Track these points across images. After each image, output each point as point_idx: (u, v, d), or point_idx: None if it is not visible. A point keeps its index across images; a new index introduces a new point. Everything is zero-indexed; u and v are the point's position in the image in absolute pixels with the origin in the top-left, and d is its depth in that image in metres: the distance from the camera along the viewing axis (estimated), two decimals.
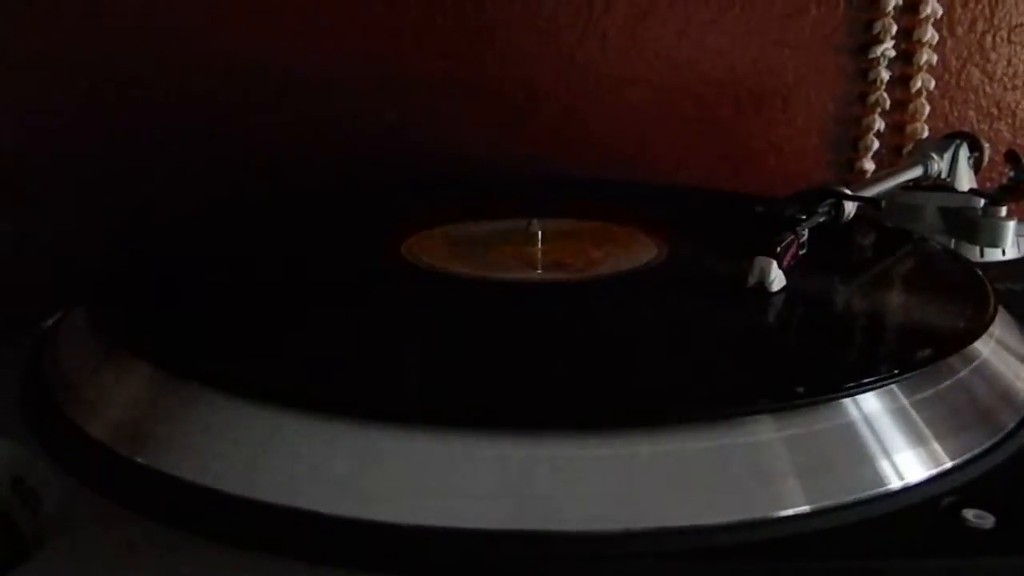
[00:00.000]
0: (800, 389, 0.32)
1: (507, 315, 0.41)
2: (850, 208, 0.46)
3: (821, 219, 0.45)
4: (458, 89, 0.69)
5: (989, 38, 0.71)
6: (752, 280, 0.41)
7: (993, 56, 0.72)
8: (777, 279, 0.41)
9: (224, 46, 0.67)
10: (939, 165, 0.57)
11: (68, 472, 0.33)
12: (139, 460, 0.32)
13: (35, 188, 0.68)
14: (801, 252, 0.43)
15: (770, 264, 0.40)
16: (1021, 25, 0.71)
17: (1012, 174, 0.57)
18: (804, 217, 0.44)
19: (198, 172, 0.68)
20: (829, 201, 0.46)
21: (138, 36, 0.66)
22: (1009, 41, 0.71)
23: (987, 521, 0.29)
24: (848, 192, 0.47)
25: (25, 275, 0.64)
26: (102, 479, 0.32)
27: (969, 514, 0.29)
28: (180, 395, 0.33)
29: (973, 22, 0.71)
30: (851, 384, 0.33)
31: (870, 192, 0.50)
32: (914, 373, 0.34)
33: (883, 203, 0.47)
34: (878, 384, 0.33)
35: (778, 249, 0.41)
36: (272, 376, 0.34)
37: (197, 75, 0.67)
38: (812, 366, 0.36)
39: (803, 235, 0.43)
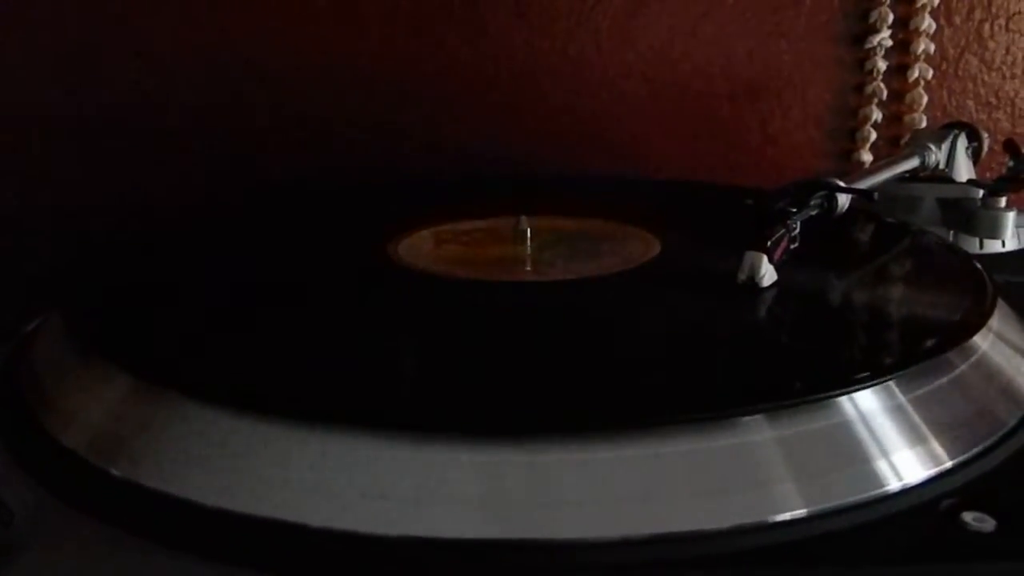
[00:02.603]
0: (794, 387, 0.31)
1: (495, 317, 0.41)
2: (844, 200, 0.45)
3: (813, 212, 0.44)
4: (449, 84, 0.69)
5: (987, 26, 0.70)
6: (742, 276, 0.40)
7: (991, 45, 0.71)
8: (768, 274, 0.40)
9: (214, 46, 0.66)
10: (937, 155, 0.56)
11: (41, 483, 0.32)
12: (114, 472, 0.31)
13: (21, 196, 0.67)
14: (793, 246, 0.42)
15: (760, 259, 0.40)
16: (1020, 13, 0.70)
17: (1011, 164, 0.56)
18: (795, 210, 0.43)
19: (186, 175, 0.68)
20: (821, 193, 0.45)
21: (129, 36, 0.66)
22: (1007, 29, 0.70)
23: (987, 524, 0.28)
24: (840, 184, 0.46)
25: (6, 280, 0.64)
26: (76, 491, 0.31)
27: (969, 517, 0.28)
28: (158, 405, 0.33)
29: (971, 10, 0.70)
30: (846, 381, 0.32)
31: (866, 184, 0.49)
32: (911, 369, 0.34)
33: (875, 195, 0.46)
34: (874, 381, 0.32)
35: (768, 243, 0.40)
36: (254, 384, 0.33)
37: (186, 76, 0.67)
38: (805, 363, 0.35)
39: (794, 228, 0.42)
